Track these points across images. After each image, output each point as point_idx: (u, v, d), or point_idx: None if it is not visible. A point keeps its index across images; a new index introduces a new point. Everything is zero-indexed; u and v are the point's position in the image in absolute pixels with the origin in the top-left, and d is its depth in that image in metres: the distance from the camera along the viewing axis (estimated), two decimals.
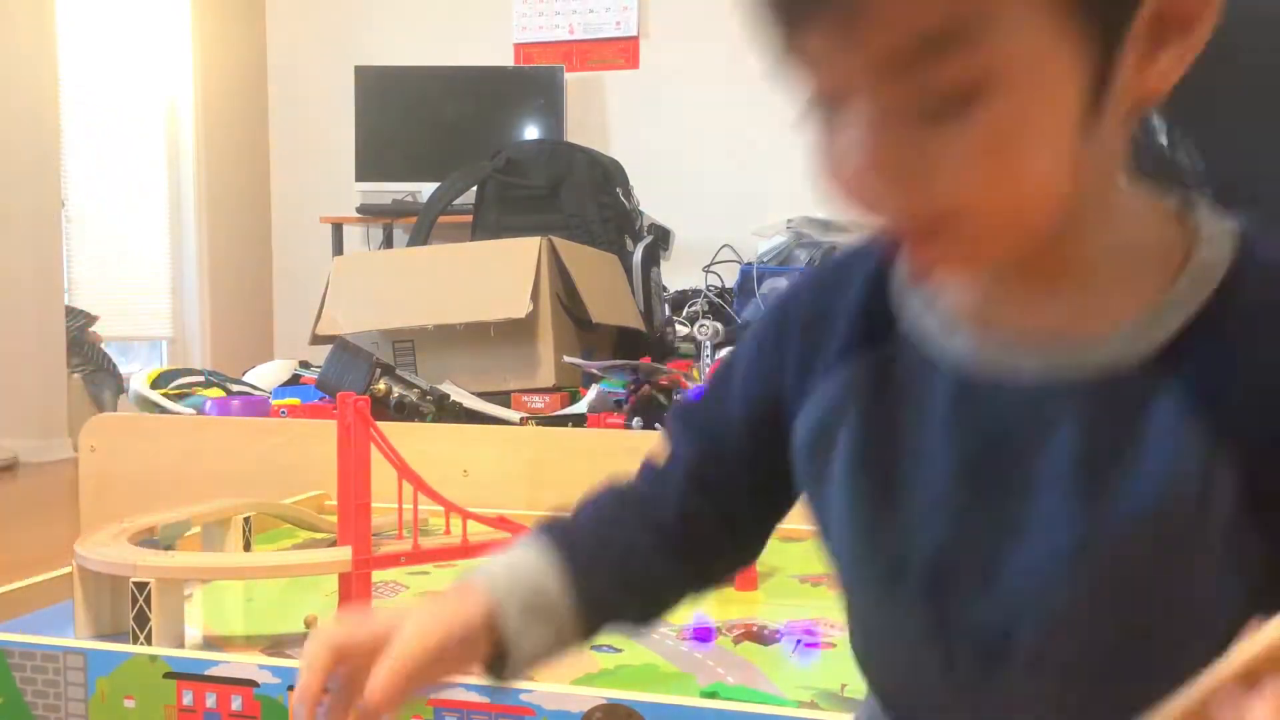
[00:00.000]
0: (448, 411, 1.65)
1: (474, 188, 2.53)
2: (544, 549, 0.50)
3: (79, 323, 3.49)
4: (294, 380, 2.00)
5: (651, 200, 2.76)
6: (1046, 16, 0.37)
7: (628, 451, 1.44)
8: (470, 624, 0.46)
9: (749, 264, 3.13)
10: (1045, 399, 0.42)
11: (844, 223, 3.30)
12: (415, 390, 1.64)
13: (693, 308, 2.88)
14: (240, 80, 4.31)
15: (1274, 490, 0.39)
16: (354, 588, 0.92)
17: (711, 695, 0.79)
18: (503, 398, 1.80)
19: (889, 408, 0.46)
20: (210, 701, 0.80)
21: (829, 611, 1.03)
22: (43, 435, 3.25)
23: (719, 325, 1.97)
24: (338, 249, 3.93)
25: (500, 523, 0.99)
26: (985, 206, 0.39)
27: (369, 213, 3.86)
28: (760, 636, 0.95)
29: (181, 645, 0.91)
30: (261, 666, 0.79)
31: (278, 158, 4.42)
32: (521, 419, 1.69)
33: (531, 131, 3.91)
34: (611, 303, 2.08)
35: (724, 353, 1.75)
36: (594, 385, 1.76)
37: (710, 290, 3.14)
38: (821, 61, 0.39)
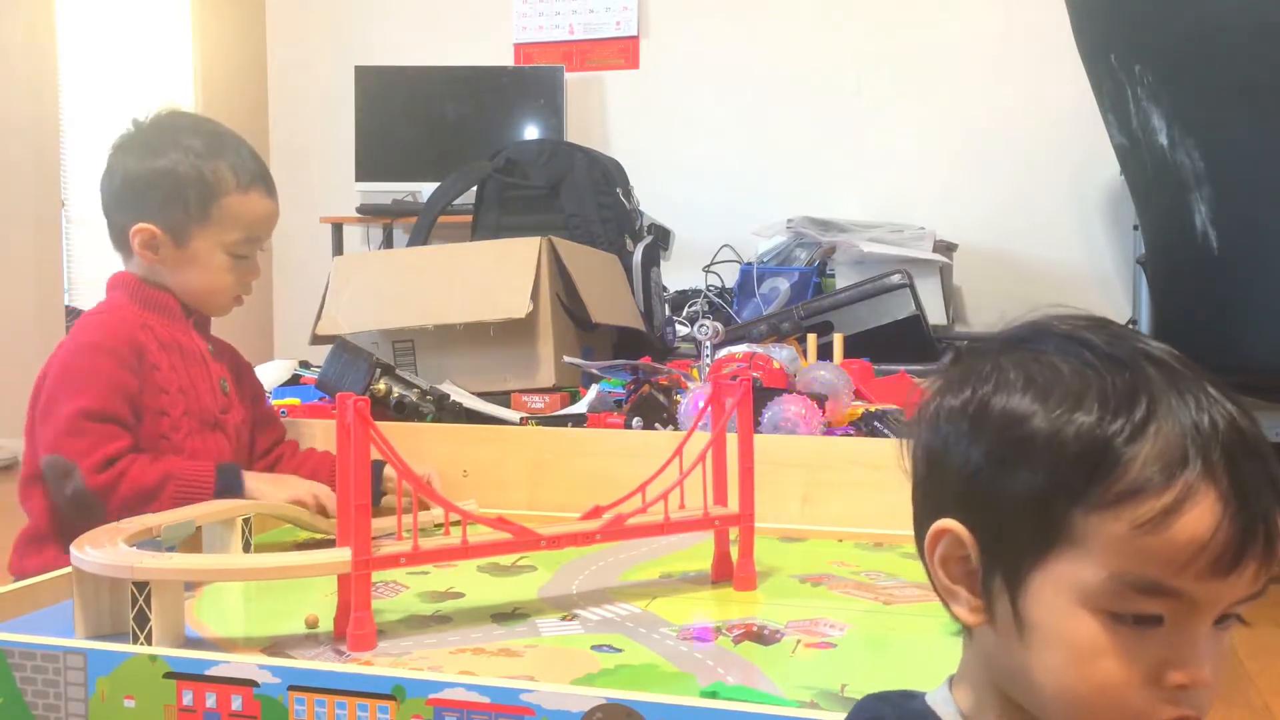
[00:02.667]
0: (448, 411, 1.65)
1: (474, 188, 2.53)
2: None
3: None
4: (294, 380, 2.00)
5: (651, 200, 2.76)
6: None
7: (628, 451, 1.45)
8: None
9: (749, 264, 3.13)
10: None
11: (843, 223, 3.30)
12: (415, 390, 1.64)
13: (693, 308, 2.89)
14: (240, 80, 4.31)
15: None
16: (353, 589, 0.92)
17: (711, 695, 0.79)
18: (503, 398, 1.80)
19: None
20: (210, 701, 0.80)
21: (829, 611, 1.03)
22: None
23: (719, 325, 1.97)
24: (338, 249, 3.94)
25: (499, 523, 0.99)
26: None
27: (369, 213, 3.86)
28: (760, 636, 0.95)
29: (181, 645, 0.91)
30: (261, 666, 0.79)
31: (278, 158, 4.42)
32: (521, 419, 1.69)
33: (531, 131, 3.91)
34: (611, 303, 2.08)
35: (723, 353, 1.75)
36: (594, 385, 1.76)
37: (710, 290, 3.14)
38: (1217, 590, 0.50)
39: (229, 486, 1.26)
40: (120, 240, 1.39)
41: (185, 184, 1.34)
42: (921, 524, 0.58)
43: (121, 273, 1.41)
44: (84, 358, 1.29)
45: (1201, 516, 0.49)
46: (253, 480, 1.30)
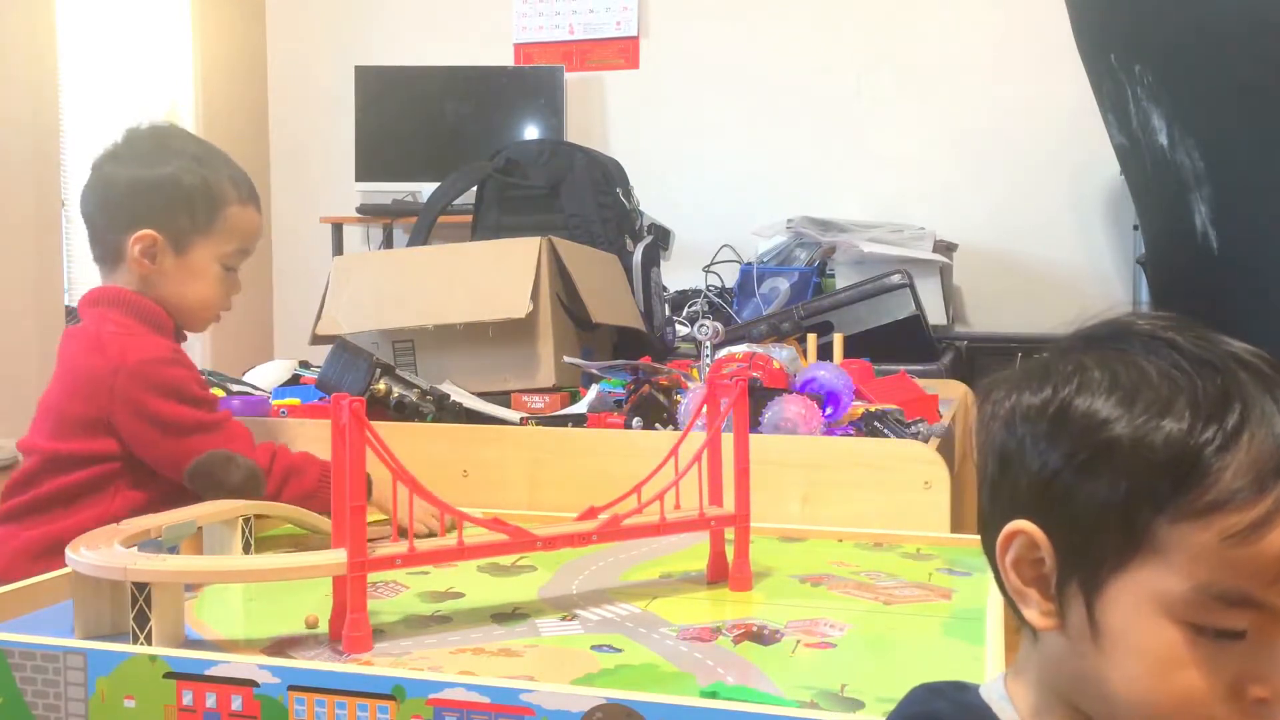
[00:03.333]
0: (448, 411, 1.65)
1: (474, 188, 2.53)
2: None
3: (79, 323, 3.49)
4: (294, 380, 2.00)
5: (651, 200, 2.76)
6: None
7: (628, 451, 1.45)
8: None
9: (749, 264, 3.13)
10: None
11: (843, 223, 3.30)
12: (415, 390, 1.63)
13: (693, 308, 2.89)
14: (240, 80, 4.31)
15: None
16: (349, 590, 0.92)
17: (711, 695, 0.79)
18: (503, 398, 1.80)
19: None
20: (210, 701, 0.80)
21: (829, 611, 1.03)
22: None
23: (719, 325, 1.97)
24: (338, 249, 3.94)
25: (495, 523, 0.99)
26: None
27: (369, 213, 3.86)
28: (760, 636, 0.95)
29: (181, 645, 0.91)
30: (261, 666, 0.79)
31: (278, 158, 4.42)
32: (521, 419, 1.68)
33: (531, 131, 3.91)
34: (611, 303, 2.08)
35: (723, 353, 1.75)
36: (594, 385, 1.76)
37: (710, 290, 3.14)
38: None
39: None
40: (111, 250, 1.36)
41: (192, 192, 1.35)
42: (990, 524, 0.57)
43: (108, 287, 1.37)
44: (163, 366, 1.29)
45: None
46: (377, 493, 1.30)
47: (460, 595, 1.08)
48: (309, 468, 1.35)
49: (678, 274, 3.07)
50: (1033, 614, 0.55)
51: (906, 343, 2.45)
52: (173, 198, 1.34)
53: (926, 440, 1.46)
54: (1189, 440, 0.49)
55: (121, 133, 1.38)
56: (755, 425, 1.45)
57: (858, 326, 2.42)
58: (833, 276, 2.98)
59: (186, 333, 1.43)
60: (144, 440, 1.29)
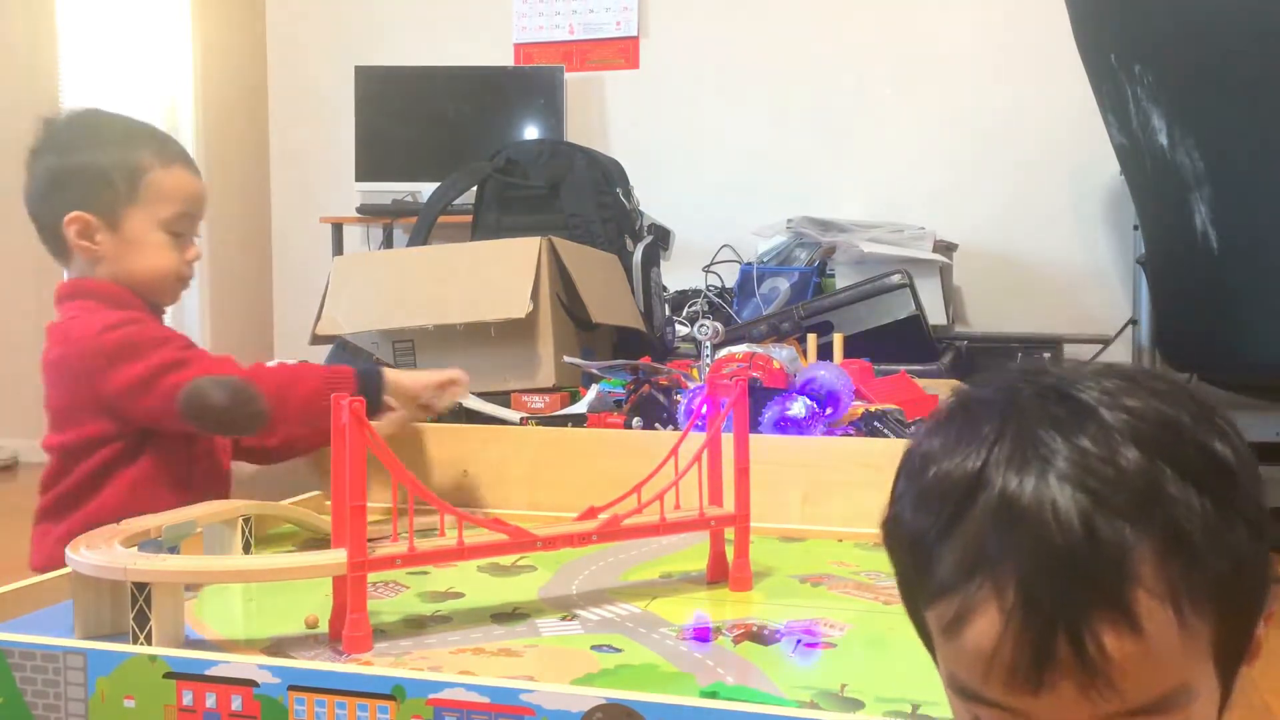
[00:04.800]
0: (448, 411, 1.65)
1: (474, 188, 2.53)
2: None
3: None
4: None
5: (651, 200, 2.76)
6: (1211, 678, 0.47)
7: (628, 451, 1.45)
8: None
9: (749, 264, 3.14)
10: None
11: (843, 223, 3.30)
12: None
13: (693, 308, 2.89)
14: (240, 80, 4.31)
15: None
16: (349, 590, 0.92)
17: (711, 695, 0.79)
18: (503, 398, 1.80)
19: None
20: (210, 701, 0.80)
21: (829, 611, 1.03)
22: (43, 435, 3.25)
23: (719, 325, 1.97)
24: (338, 249, 3.94)
25: (495, 523, 0.99)
26: None
27: (369, 213, 3.86)
28: (760, 636, 0.95)
29: (181, 645, 0.91)
30: (261, 666, 0.79)
31: (278, 158, 4.42)
32: (521, 419, 1.68)
33: (531, 131, 3.91)
34: (611, 303, 2.08)
35: (723, 353, 1.75)
36: (594, 385, 1.76)
37: (710, 290, 3.14)
38: (1045, 707, 0.45)
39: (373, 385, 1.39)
40: (56, 243, 1.39)
41: (109, 168, 1.35)
42: None
43: (67, 281, 1.40)
44: (113, 331, 1.29)
45: (985, 629, 0.46)
46: (391, 375, 1.43)
47: (460, 595, 1.08)
48: (307, 374, 1.36)
49: (678, 274, 3.07)
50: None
51: (906, 343, 2.45)
52: (92, 178, 1.35)
53: None
54: (917, 528, 0.50)
55: (41, 125, 1.39)
56: (755, 425, 1.45)
57: (858, 326, 2.42)
58: (833, 276, 2.98)
59: (163, 305, 1.44)
60: (128, 408, 1.30)
